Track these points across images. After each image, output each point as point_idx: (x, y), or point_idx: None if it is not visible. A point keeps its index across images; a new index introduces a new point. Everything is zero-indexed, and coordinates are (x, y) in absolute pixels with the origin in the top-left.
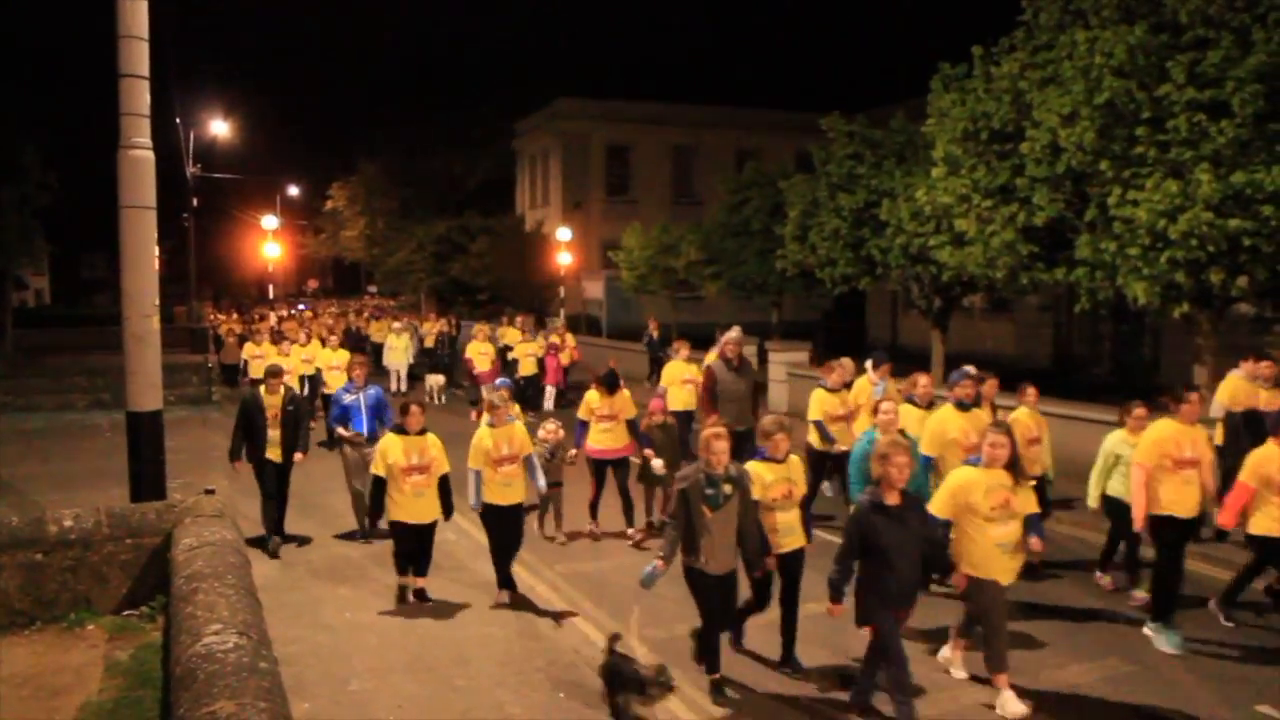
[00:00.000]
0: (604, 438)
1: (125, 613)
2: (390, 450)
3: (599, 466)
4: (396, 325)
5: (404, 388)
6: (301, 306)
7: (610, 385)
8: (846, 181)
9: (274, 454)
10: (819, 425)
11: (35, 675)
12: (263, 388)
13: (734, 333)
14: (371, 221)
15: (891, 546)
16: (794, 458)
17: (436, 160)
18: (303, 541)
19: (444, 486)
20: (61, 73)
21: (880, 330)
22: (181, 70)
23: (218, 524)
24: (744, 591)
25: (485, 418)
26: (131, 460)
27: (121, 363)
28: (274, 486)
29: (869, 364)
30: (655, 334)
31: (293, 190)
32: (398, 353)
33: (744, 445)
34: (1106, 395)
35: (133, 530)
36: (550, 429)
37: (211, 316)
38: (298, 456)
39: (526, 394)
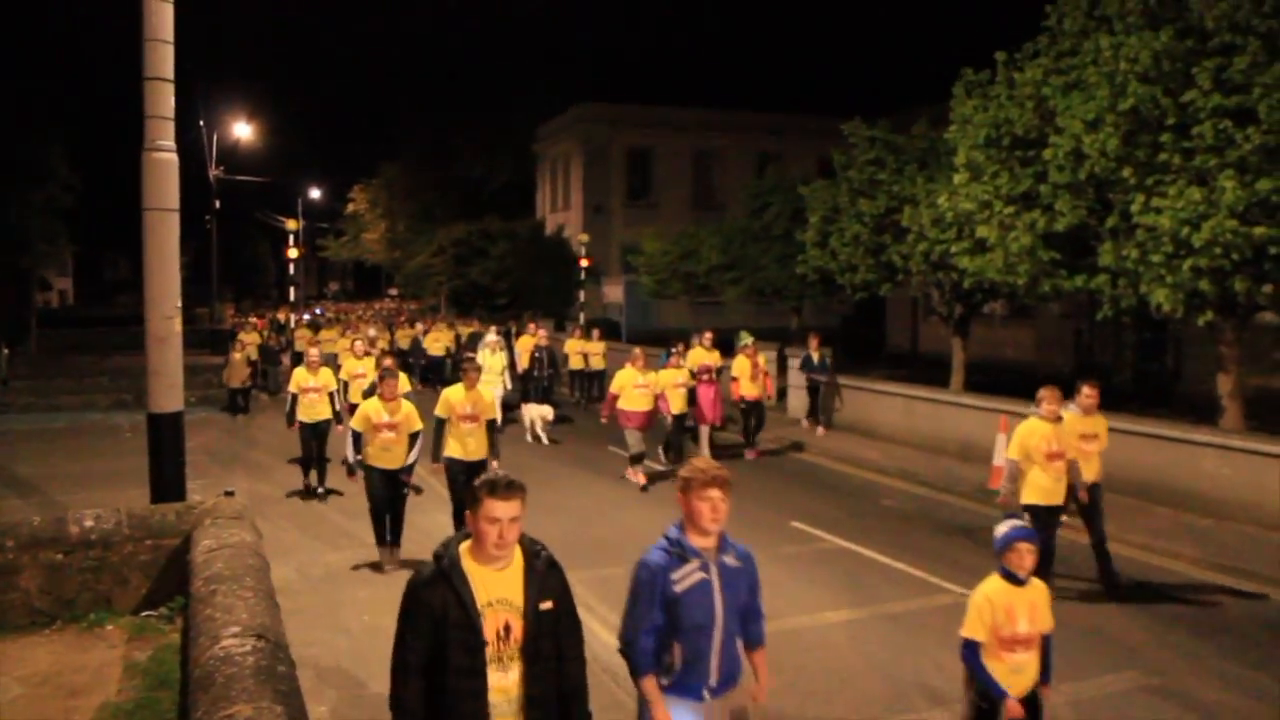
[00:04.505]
0: None
1: (144, 613)
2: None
3: None
4: (491, 339)
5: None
6: (318, 311)
7: None
8: (868, 187)
9: None
10: None
11: (54, 675)
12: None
13: None
14: (392, 224)
15: None
16: None
17: (457, 164)
18: None
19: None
20: (87, 75)
21: (900, 337)
22: (205, 74)
23: (237, 526)
24: None
25: None
26: (152, 461)
27: (143, 364)
28: None
29: None
30: (817, 354)
31: (314, 193)
32: (492, 375)
33: None
34: (1128, 404)
35: (153, 531)
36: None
37: (233, 321)
38: None
39: (671, 439)
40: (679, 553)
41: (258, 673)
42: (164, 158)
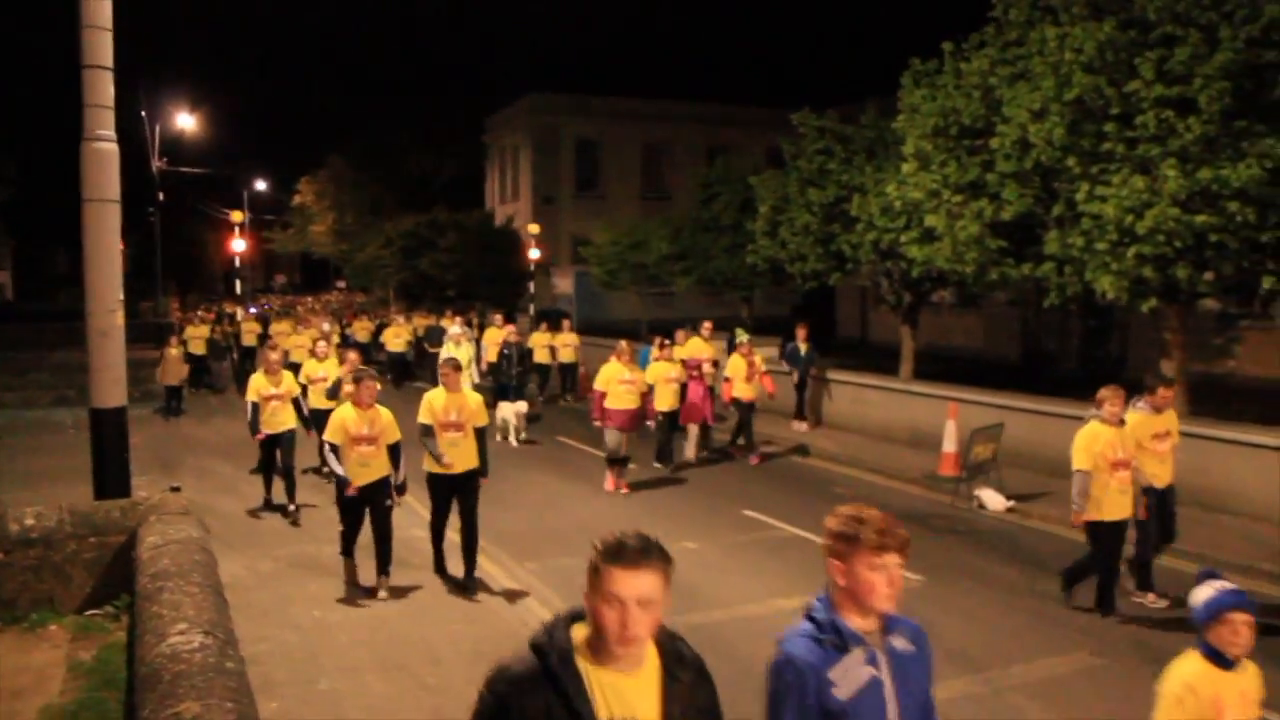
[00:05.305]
0: None
1: (89, 612)
2: None
3: None
4: (455, 331)
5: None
6: (265, 304)
7: None
8: (817, 177)
9: None
10: None
11: None
12: None
13: None
14: (340, 216)
15: None
16: None
17: (406, 155)
18: None
19: None
20: (23, 64)
21: (850, 326)
22: (148, 63)
23: (183, 521)
24: None
25: None
26: (95, 457)
27: (85, 359)
28: None
29: None
30: (804, 345)
31: (260, 185)
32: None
33: None
34: (1074, 390)
35: (96, 528)
36: None
37: (178, 316)
38: None
39: (662, 445)
40: (835, 641)
41: (206, 670)
42: (104, 148)
